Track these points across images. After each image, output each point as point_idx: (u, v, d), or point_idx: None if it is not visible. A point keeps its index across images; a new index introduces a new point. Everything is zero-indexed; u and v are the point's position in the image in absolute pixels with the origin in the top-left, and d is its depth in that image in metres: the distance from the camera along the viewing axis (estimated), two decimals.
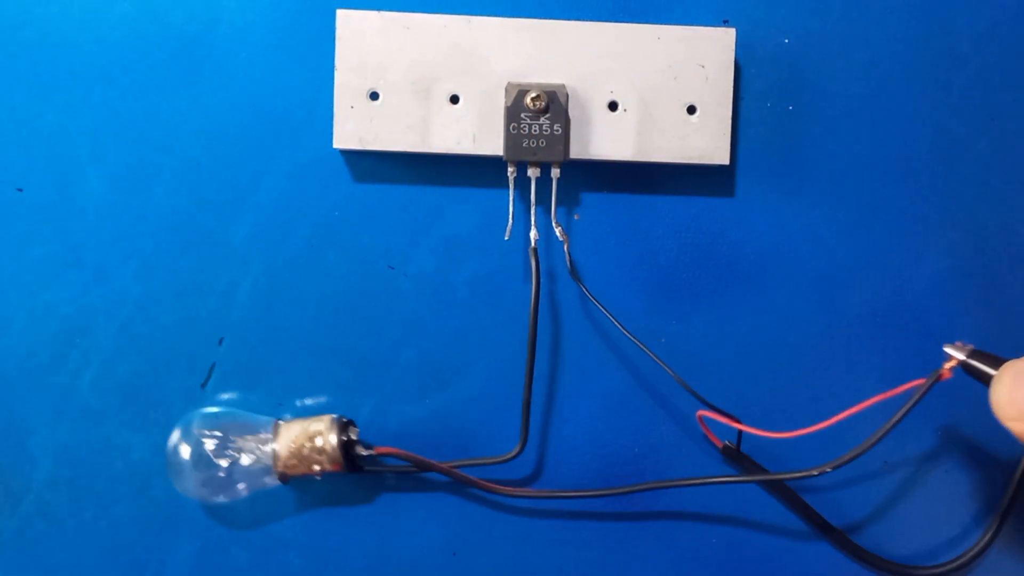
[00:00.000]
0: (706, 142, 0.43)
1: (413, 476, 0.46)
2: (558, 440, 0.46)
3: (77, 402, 0.45)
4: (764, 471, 0.45)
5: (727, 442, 0.45)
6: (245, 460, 0.43)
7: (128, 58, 0.44)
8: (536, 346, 0.44)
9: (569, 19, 0.43)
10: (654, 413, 0.46)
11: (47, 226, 0.45)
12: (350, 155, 0.45)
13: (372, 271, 0.45)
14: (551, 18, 0.43)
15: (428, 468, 0.43)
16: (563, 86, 0.42)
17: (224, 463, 0.42)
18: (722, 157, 0.44)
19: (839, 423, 0.40)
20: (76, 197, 0.45)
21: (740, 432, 0.44)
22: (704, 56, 0.43)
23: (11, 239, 0.45)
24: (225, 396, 0.45)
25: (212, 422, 0.43)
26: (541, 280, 0.44)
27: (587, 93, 0.43)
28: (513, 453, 0.44)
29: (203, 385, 0.45)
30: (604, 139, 0.43)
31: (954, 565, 0.46)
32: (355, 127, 0.43)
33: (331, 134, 0.43)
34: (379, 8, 0.43)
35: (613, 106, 0.43)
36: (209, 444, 0.42)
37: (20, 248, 0.45)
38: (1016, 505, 0.46)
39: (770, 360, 0.46)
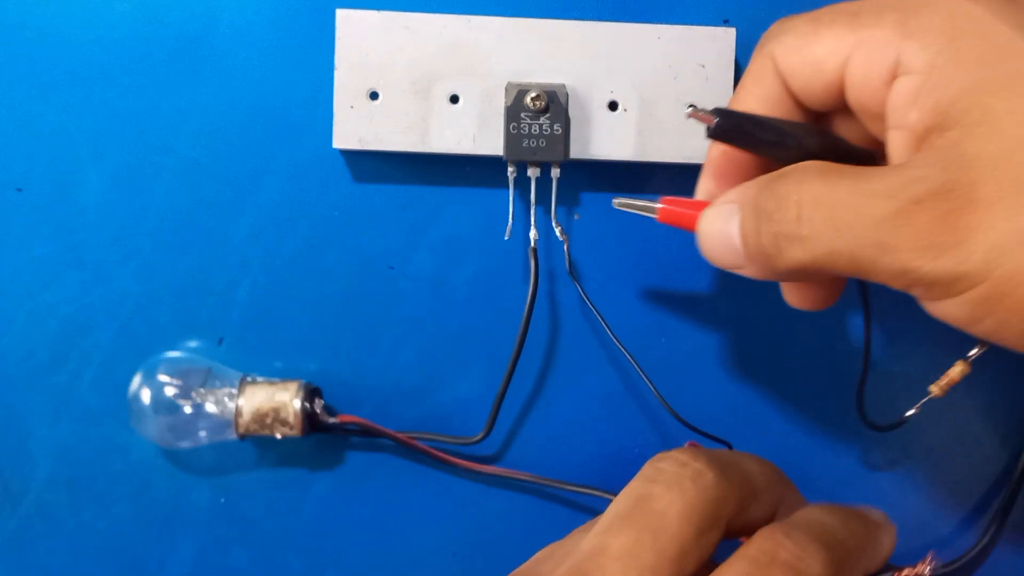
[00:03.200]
0: (706, 142, 0.43)
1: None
2: (556, 440, 0.46)
3: (77, 402, 0.45)
4: None
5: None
6: (207, 410, 0.42)
7: (128, 58, 0.44)
8: (525, 343, 0.44)
9: (569, 19, 0.43)
10: (653, 414, 0.46)
11: (47, 226, 0.45)
12: (350, 155, 0.45)
13: (372, 271, 0.45)
14: (551, 18, 0.43)
15: (381, 435, 0.44)
16: (563, 86, 0.42)
17: (181, 412, 0.42)
18: None
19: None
20: (76, 197, 0.45)
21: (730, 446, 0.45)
22: (704, 56, 0.43)
23: (11, 239, 0.45)
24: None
25: (175, 369, 0.43)
26: (541, 280, 0.44)
27: (587, 93, 0.43)
28: (478, 437, 0.45)
29: (202, 385, 0.45)
30: (604, 139, 0.43)
31: (954, 567, 0.46)
32: (355, 127, 0.43)
33: (331, 134, 0.43)
34: (379, 8, 0.43)
35: (613, 106, 0.43)
36: (169, 391, 0.42)
37: (20, 248, 0.45)
38: (1015, 506, 0.46)
39: (771, 359, 0.46)
